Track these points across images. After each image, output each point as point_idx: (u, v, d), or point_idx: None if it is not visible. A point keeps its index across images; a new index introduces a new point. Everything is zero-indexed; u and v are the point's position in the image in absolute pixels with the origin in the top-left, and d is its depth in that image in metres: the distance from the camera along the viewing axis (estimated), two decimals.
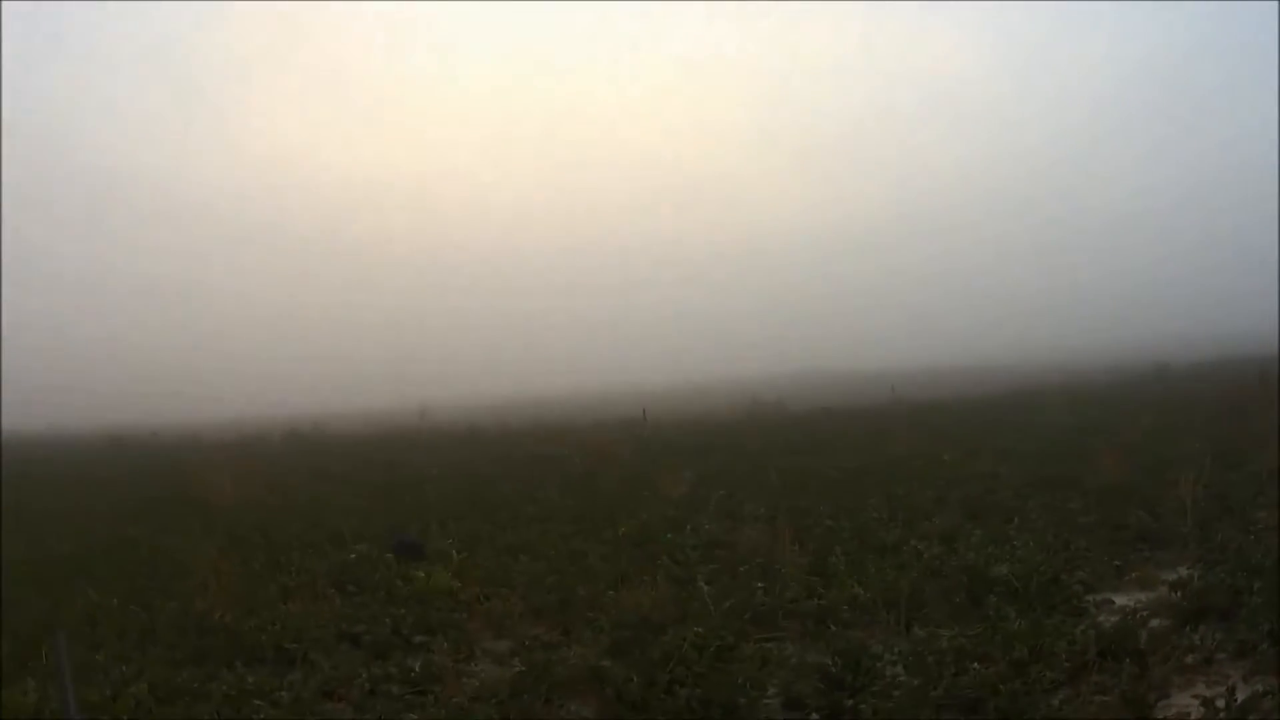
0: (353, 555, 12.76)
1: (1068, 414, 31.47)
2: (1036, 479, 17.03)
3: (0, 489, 21.33)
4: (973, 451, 22.01)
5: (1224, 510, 13.18)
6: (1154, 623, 8.60)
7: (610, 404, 54.76)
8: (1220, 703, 6.54)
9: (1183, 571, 10.21)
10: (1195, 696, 6.87)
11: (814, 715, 7.01)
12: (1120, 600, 9.59)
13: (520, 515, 16.44)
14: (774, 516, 12.93)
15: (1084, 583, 10.06)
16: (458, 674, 8.23)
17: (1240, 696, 6.74)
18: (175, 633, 9.36)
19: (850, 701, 7.14)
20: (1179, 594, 9.25)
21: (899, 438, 24.75)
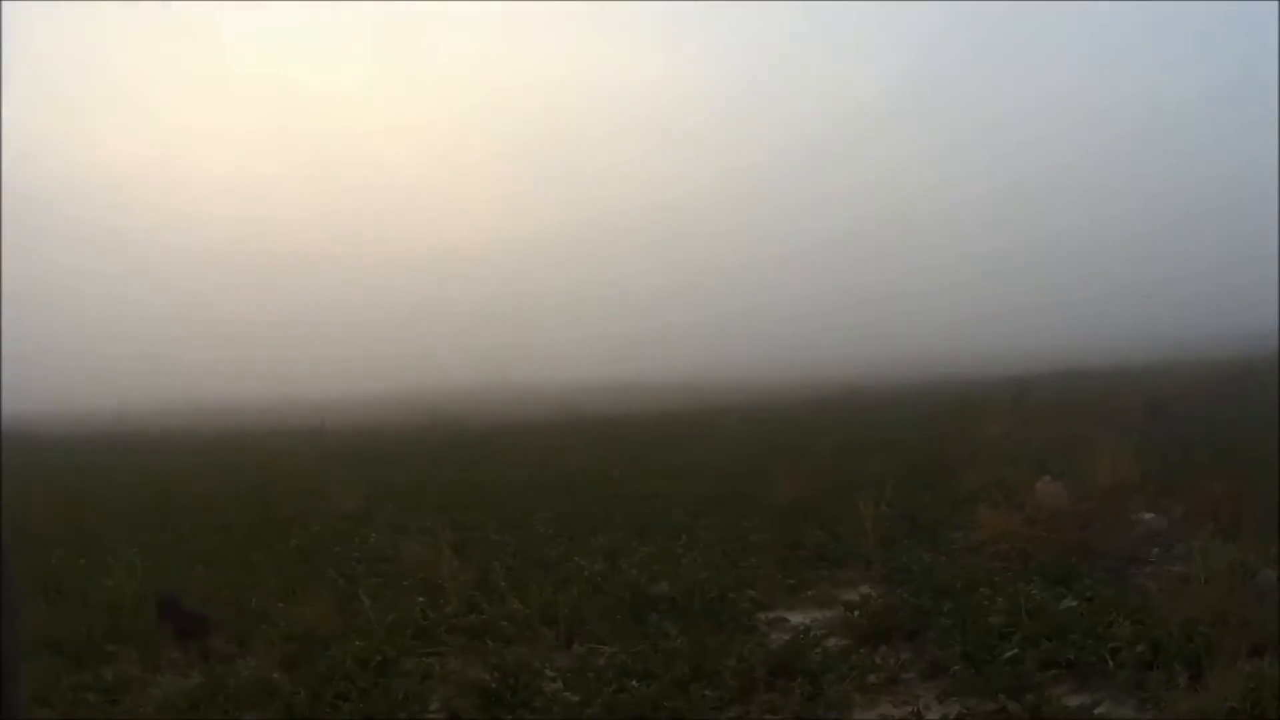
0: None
1: (752, 431, 35.88)
2: (710, 496, 19.48)
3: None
4: (646, 468, 25.23)
5: (912, 530, 15.25)
6: (831, 642, 9.97)
7: (287, 413, 63.33)
8: None
9: (864, 590, 11.84)
10: (882, 716, 8.15)
11: None
12: (795, 619, 11.03)
13: (201, 525, 19.24)
14: (440, 531, 15.03)
15: (754, 601, 11.68)
16: (144, 684, 9.79)
17: (933, 717, 8.02)
18: None
19: (509, 717, 8.43)
20: (858, 613, 10.62)
21: (574, 453, 29.25)
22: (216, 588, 13.33)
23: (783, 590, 12.43)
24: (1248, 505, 14.77)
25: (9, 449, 38.65)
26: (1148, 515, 14.93)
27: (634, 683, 8.73)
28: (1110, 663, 8.82)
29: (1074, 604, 10.81)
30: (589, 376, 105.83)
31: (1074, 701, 8.32)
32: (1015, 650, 9.17)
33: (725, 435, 35.37)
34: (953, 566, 13.01)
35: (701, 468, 25.06)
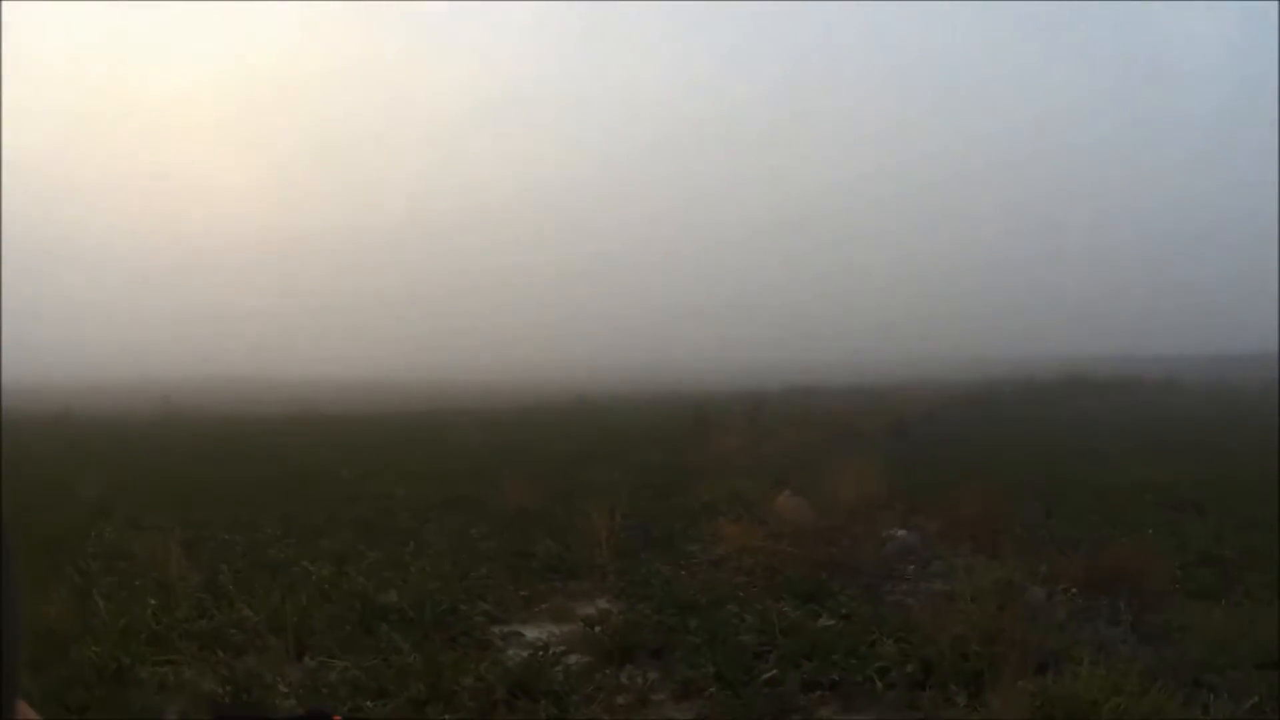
0: None
1: (485, 435, 36.70)
2: (440, 500, 19.67)
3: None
4: (377, 469, 25.57)
5: (648, 542, 15.35)
6: (573, 659, 9.63)
7: (33, 398, 65.97)
8: None
9: (602, 605, 11.63)
10: None
11: None
12: (531, 634, 10.76)
13: None
14: (171, 528, 14.73)
15: (488, 614, 11.44)
16: None
17: None
18: None
19: None
20: (599, 629, 10.33)
21: (307, 451, 30.26)
22: None
23: (516, 603, 12.15)
24: (1003, 524, 15.54)
25: None
26: (900, 532, 15.36)
27: (369, 702, 8.55)
28: (878, 683, 8.63)
29: (831, 622, 10.62)
30: (335, 374, 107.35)
31: None
32: (774, 670, 8.90)
33: (459, 439, 36.05)
34: (695, 581, 12.89)
35: (433, 471, 25.29)
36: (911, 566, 13.81)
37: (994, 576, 11.23)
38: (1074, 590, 11.77)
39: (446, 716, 8.24)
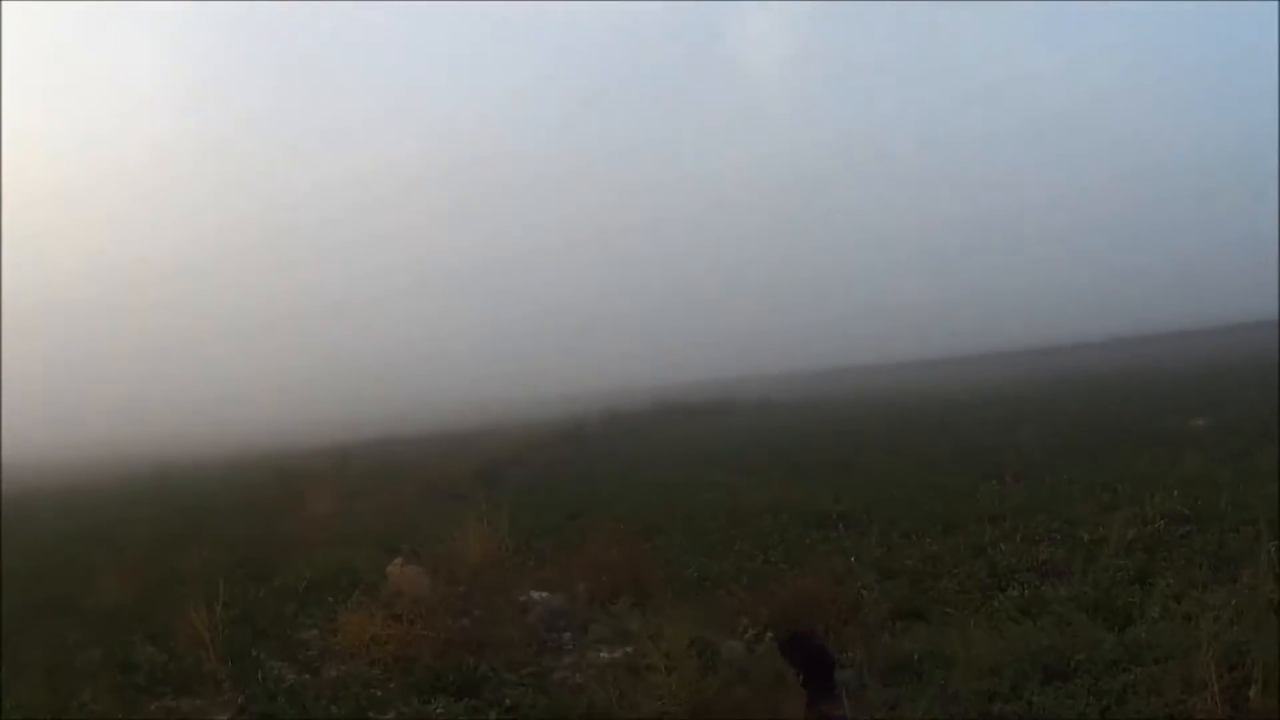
0: None
1: (63, 520, 33.45)
2: (26, 604, 17.48)
3: None
4: None
5: (257, 636, 13.99)
6: None
7: None
8: None
9: None
10: None
11: None
12: None
13: None
14: None
15: None
16: None
17: None
18: None
19: None
20: None
21: None
22: None
23: None
24: (647, 569, 14.42)
25: None
26: (538, 594, 13.93)
27: None
28: None
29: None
30: None
31: None
32: None
33: (36, 525, 32.31)
34: (323, 683, 11.70)
35: (7, 567, 21.97)
36: (567, 634, 12.45)
37: (673, 633, 9.80)
38: (769, 635, 10.57)
39: None
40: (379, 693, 10.77)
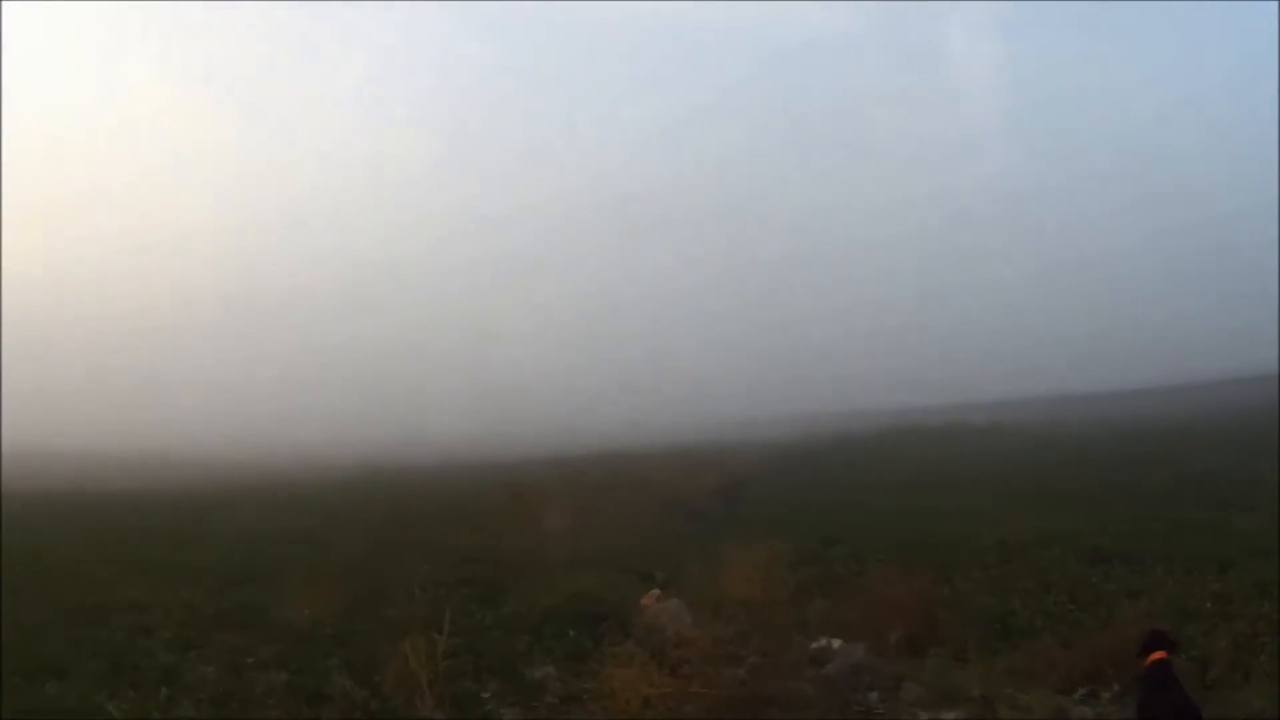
0: None
1: (265, 518, 31.17)
2: (209, 613, 15.37)
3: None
4: (129, 565, 20.63)
5: (480, 673, 11.59)
6: None
7: None
8: None
9: None
10: None
11: None
12: None
13: None
14: None
15: None
16: None
17: None
18: None
19: None
20: None
21: (54, 543, 24.77)
22: None
23: None
24: (940, 612, 11.68)
25: None
26: (833, 642, 11.05)
27: None
28: None
29: None
30: (73, 447, 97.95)
31: None
32: None
33: (238, 525, 29.97)
34: None
35: (206, 568, 20.20)
36: (874, 694, 9.41)
37: (1046, 705, 7.00)
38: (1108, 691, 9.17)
39: None
40: None
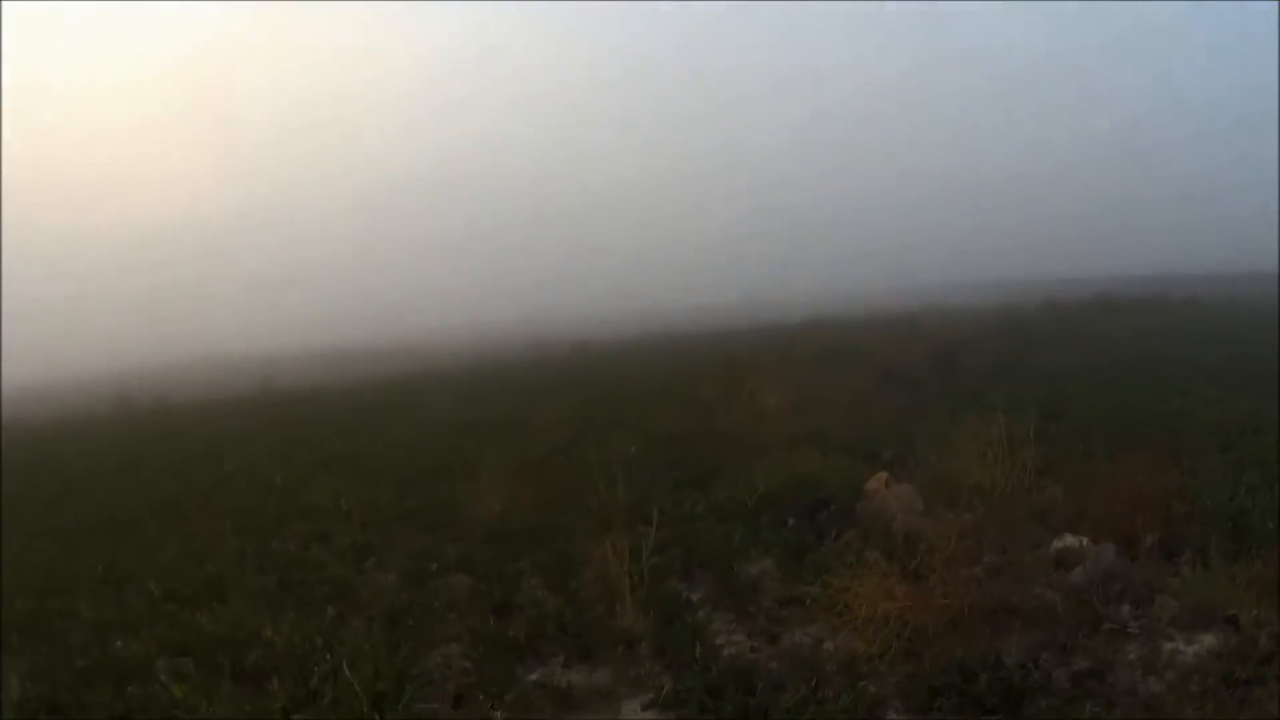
0: None
1: (467, 406, 30.38)
2: (395, 513, 14.75)
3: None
4: (319, 465, 20.19)
5: (693, 578, 10.47)
6: None
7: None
8: None
9: None
10: None
11: None
12: None
13: None
14: None
15: None
16: None
17: None
18: None
19: None
20: None
21: (237, 442, 25.64)
22: None
23: None
24: (1178, 511, 10.42)
25: None
26: (1078, 541, 10.00)
27: None
28: None
29: None
30: (292, 345, 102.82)
31: None
32: None
33: (431, 413, 29.63)
34: (786, 663, 7.96)
35: (392, 461, 19.82)
36: (1126, 606, 8.40)
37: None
38: None
39: None
40: (873, 689, 7.31)
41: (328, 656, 8.12)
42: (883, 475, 12.28)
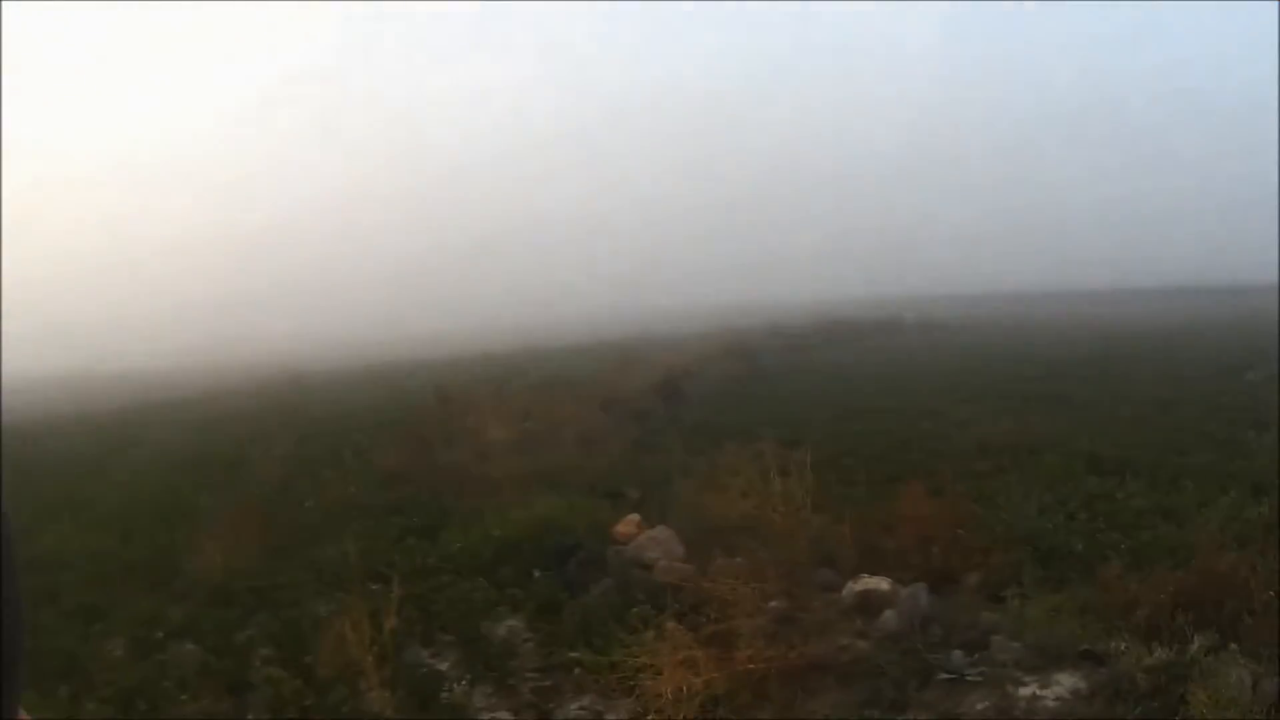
0: None
1: (180, 438, 28.15)
2: (110, 570, 13.03)
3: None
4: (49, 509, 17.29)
5: (432, 631, 9.52)
6: None
7: None
8: None
9: None
10: None
11: None
12: None
13: None
14: None
15: None
16: None
17: None
18: None
19: None
20: None
21: None
22: None
23: None
24: (974, 539, 9.58)
25: None
26: (881, 582, 8.75)
27: None
28: None
29: None
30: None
31: None
32: None
33: (149, 447, 27.35)
34: None
35: (105, 506, 17.64)
36: (957, 651, 7.20)
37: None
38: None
39: None
40: None
41: None
42: (633, 517, 10.94)
